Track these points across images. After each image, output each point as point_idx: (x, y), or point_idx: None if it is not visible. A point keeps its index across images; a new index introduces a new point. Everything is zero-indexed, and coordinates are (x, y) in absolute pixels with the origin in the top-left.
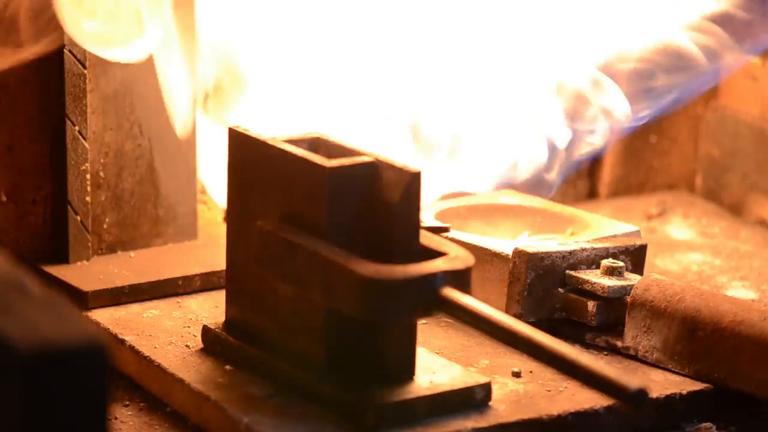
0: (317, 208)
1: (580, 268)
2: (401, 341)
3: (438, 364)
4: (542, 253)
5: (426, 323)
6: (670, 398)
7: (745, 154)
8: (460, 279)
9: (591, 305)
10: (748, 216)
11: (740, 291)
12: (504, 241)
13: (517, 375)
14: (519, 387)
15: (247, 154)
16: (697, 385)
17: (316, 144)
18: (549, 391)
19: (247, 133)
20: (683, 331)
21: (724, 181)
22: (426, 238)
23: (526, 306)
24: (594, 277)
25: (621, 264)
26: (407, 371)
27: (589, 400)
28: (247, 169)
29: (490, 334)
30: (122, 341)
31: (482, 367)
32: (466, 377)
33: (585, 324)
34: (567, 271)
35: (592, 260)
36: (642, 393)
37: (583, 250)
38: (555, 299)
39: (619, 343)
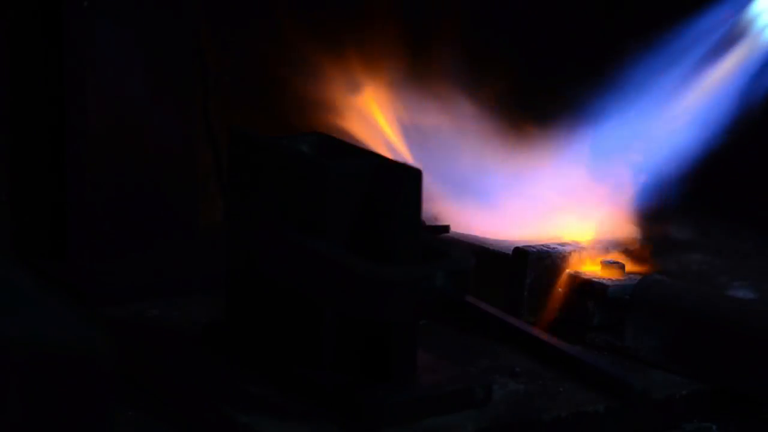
0: (317, 207)
1: (580, 268)
2: (401, 341)
3: (438, 364)
4: (542, 253)
5: (426, 323)
6: (670, 398)
7: (745, 154)
8: (460, 279)
9: (591, 305)
10: (748, 216)
11: (740, 291)
12: (504, 241)
13: (516, 375)
14: (519, 387)
15: (248, 154)
16: (697, 385)
17: (316, 143)
18: (549, 391)
19: (247, 132)
20: (683, 331)
21: (724, 181)
22: (426, 238)
23: (526, 306)
24: (594, 277)
25: (621, 264)
26: (407, 371)
27: (589, 400)
28: (248, 168)
29: (491, 333)
30: (122, 341)
31: (482, 367)
32: (466, 377)
33: (585, 324)
34: (567, 271)
35: (592, 260)
36: (645, 392)
37: (583, 249)
38: (555, 299)
39: (619, 343)
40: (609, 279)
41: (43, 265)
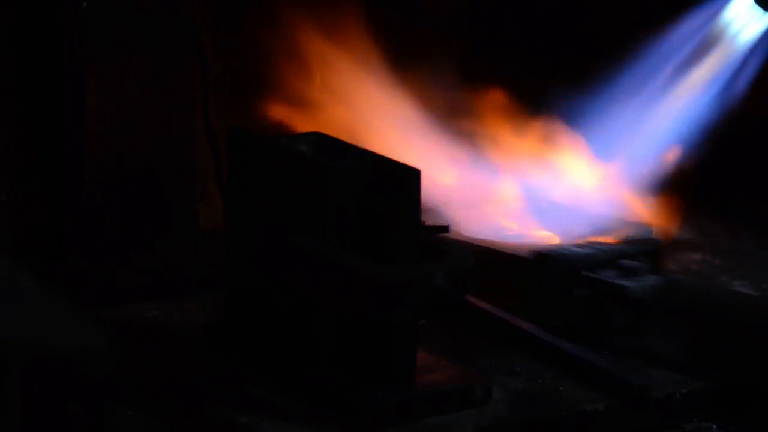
0: (317, 207)
1: (598, 270)
2: (401, 341)
3: (438, 364)
4: (561, 255)
5: (426, 323)
6: (670, 397)
7: (744, 154)
8: (460, 279)
9: (610, 307)
10: (748, 216)
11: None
12: (522, 244)
13: (516, 375)
14: (519, 386)
15: (248, 154)
16: (697, 384)
17: (316, 143)
18: (549, 390)
19: (247, 132)
20: (707, 333)
21: (724, 181)
22: (426, 238)
23: (545, 309)
24: (613, 279)
25: (639, 265)
26: (407, 371)
27: (589, 399)
28: (248, 168)
29: (491, 333)
30: (122, 341)
31: (482, 366)
32: (466, 377)
33: (605, 326)
34: (585, 273)
35: (610, 261)
36: (645, 391)
37: (602, 251)
38: (574, 301)
39: (641, 345)
40: (628, 280)
41: (43, 265)
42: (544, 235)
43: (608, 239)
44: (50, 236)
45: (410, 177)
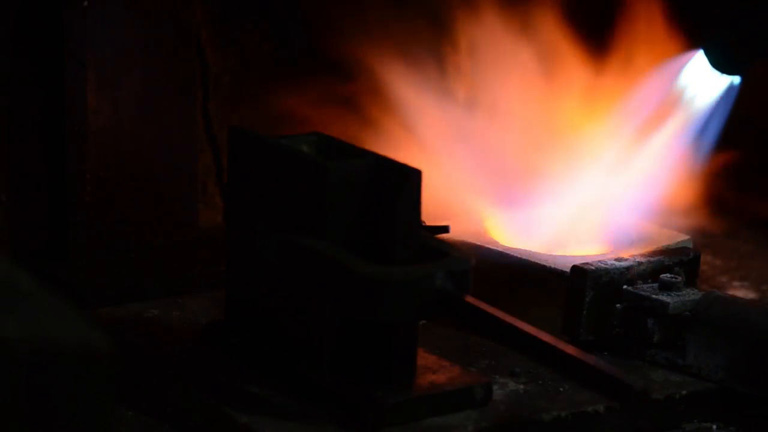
0: (317, 208)
1: (637, 283)
2: (401, 341)
3: (438, 364)
4: (600, 270)
5: (426, 323)
6: (670, 398)
7: (744, 154)
8: (460, 279)
9: (650, 322)
10: (748, 216)
11: (740, 291)
12: (559, 258)
13: (516, 375)
14: (519, 387)
15: (248, 154)
16: (697, 385)
17: (316, 143)
18: (549, 391)
19: (247, 132)
20: (749, 350)
21: (725, 181)
22: (426, 238)
23: (584, 325)
24: (653, 294)
25: (679, 279)
26: (407, 371)
27: (589, 400)
28: (248, 168)
29: (491, 334)
30: (122, 341)
31: (482, 367)
32: (466, 377)
33: (644, 341)
34: (624, 287)
35: (648, 274)
36: (645, 392)
37: (640, 264)
38: (613, 316)
39: (681, 361)
40: (667, 295)
41: (43, 265)
42: (583, 246)
43: (646, 250)
44: (50, 236)
45: (411, 177)
